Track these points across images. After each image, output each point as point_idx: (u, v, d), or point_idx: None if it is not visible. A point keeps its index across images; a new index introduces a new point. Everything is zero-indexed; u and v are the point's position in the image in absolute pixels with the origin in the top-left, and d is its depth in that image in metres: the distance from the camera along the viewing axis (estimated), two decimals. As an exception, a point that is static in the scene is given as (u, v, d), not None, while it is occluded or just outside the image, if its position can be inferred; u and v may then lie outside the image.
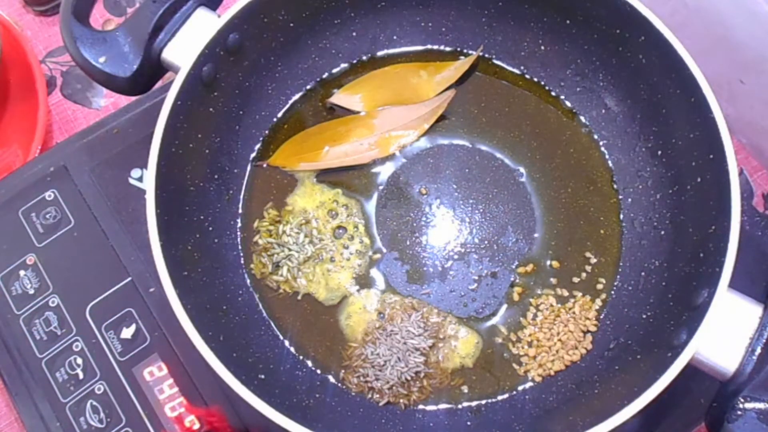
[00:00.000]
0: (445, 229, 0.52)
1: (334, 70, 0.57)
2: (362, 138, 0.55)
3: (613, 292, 0.50)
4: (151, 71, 0.49)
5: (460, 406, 0.48)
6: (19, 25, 0.68)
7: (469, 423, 0.47)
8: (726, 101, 0.43)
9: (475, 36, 0.57)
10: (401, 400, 0.48)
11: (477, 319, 0.50)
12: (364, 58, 0.58)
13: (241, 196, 0.54)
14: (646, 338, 0.46)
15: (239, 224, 0.53)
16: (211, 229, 0.50)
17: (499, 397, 0.48)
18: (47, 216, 0.53)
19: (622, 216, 0.52)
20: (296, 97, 0.57)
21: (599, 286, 0.51)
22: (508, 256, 0.51)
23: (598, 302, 0.50)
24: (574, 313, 0.49)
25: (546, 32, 0.54)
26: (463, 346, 0.49)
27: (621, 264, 0.51)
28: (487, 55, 0.57)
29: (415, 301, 0.50)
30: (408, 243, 0.52)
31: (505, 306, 0.50)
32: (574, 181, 0.53)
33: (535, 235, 0.52)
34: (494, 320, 0.50)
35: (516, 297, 0.50)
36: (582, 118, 0.55)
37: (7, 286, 0.52)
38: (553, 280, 0.51)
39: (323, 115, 0.56)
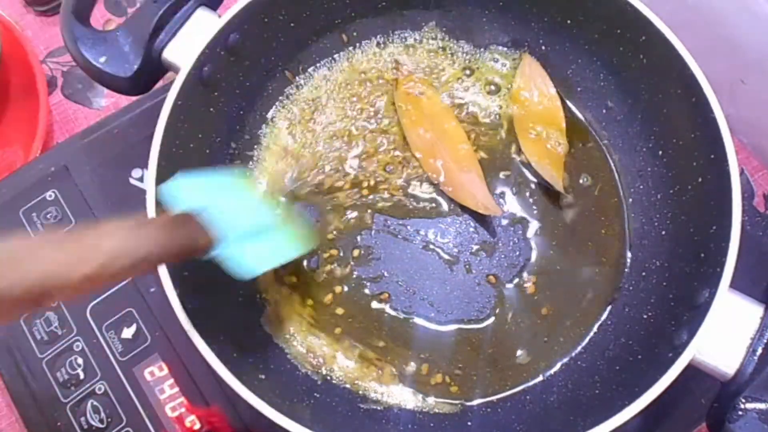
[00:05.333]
0: (445, 230, 0.52)
1: (335, 70, 0.57)
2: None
3: (614, 292, 0.50)
4: (151, 71, 0.49)
5: (460, 406, 0.48)
6: (20, 25, 0.68)
7: (469, 423, 0.47)
8: (727, 101, 0.43)
9: (475, 36, 0.56)
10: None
11: (478, 320, 0.50)
12: (365, 58, 0.58)
13: (242, 196, 0.53)
14: (646, 338, 0.46)
15: (240, 224, 0.53)
16: (211, 229, 0.50)
17: (500, 397, 0.48)
18: (48, 216, 0.53)
19: (623, 216, 0.52)
20: (297, 97, 0.57)
21: (600, 286, 0.50)
22: (508, 256, 0.51)
23: (599, 302, 0.50)
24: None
25: (547, 32, 0.54)
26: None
27: (622, 264, 0.51)
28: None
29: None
30: (408, 243, 0.52)
31: (505, 307, 0.50)
32: (575, 182, 0.53)
33: (536, 235, 0.52)
34: (495, 321, 0.50)
35: (517, 297, 0.50)
36: (583, 118, 0.55)
37: (7, 286, 0.52)
38: (554, 281, 0.51)
39: (324, 115, 0.56)
